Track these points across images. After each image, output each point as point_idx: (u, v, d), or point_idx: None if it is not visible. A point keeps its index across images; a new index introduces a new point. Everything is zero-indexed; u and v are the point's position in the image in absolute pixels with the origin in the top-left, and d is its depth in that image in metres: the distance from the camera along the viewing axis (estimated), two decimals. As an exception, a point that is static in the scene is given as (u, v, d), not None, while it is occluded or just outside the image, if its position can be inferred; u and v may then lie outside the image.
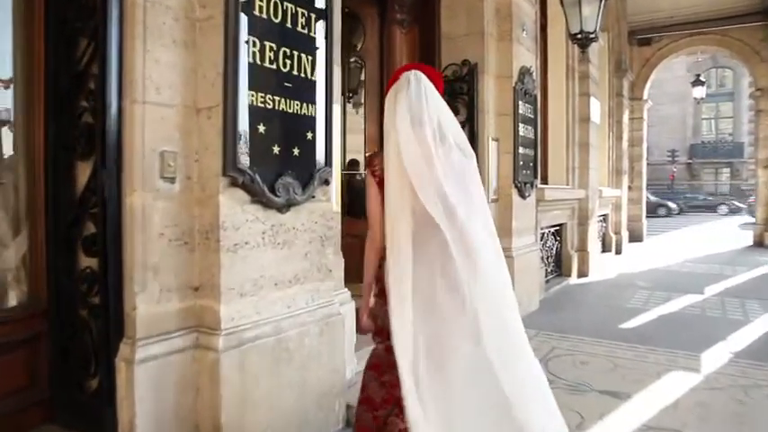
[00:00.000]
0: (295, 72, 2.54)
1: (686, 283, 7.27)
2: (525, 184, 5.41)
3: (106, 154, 2.11)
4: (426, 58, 5.17)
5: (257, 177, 2.32)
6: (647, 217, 13.77)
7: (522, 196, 5.40)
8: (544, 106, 7.09)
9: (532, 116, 5.61)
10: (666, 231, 16.55)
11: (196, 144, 2.31)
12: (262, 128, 2.37)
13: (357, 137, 5.15)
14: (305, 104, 2.59)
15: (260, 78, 2.37)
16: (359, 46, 5.10)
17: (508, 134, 5.18)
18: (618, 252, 10.28)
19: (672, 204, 28.04)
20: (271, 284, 2.46)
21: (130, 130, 2.13)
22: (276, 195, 2.42)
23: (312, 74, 2.64)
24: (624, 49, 11.10)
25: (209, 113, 2.28)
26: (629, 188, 12.04)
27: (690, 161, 34.44)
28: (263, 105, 2.38)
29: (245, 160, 2.29)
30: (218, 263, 2.25)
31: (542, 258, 6.63)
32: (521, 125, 5.29)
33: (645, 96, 12.99)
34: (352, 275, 2.97)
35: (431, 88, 2.00)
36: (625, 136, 11.42)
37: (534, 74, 5.60)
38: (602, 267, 8.35)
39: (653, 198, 26.52)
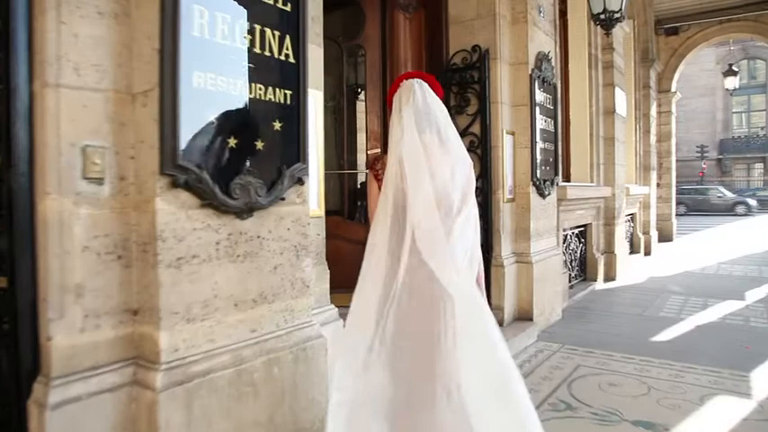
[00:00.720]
0: (257, 50, 2.12)
1: (724, 287, 6.68)
2: (545, 181, 4.92)
3: (12, 150, 1.71)
4: (433, 44, 4.73)
5: (205, 176, 1.90)
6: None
7: (542, 195, 4.90)
8: (565, 98, 6.57)
9: (552, 107, 5.11)
10: (697, 230, 15.76)
11: (132, 138, 1.90)
12: (213, 116, 1.95)
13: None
14: (271, 89, 2.17)
15: (210, 56, 1.95)
16: (359, 33, 4.66)
17: (525, 127, 4.70)
18: (647, 253, 9.67)
19: (752, 201, 23.97)
20: (229, 305, 2.04)
21: (41, 120, 1.72)
22: (232, 198, 2.00)
23: (280, 52, 2.21)
24: (651, 38, 10.46)
25: (144, 99, 1.87)
26: (658, 185, 11.39)
27: (720, 157, 33.19)
28: (214, 89, 1.96)
29: (189, 156, 1.87)
30: (156, 281, 1.83)
31: (565, 262, 6.12)
32: (539, 117, 4.80)
33: (673, 89, 12.31)
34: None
35: (433, 97, 2.16)
36: (653, 130, 10.77)
37: (553, 61, 5.10)
38: (631, 270, 7.78)
39: (730, 194, 24.65)
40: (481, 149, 4.49)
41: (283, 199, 2.22)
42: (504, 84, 4.55)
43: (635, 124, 9.68)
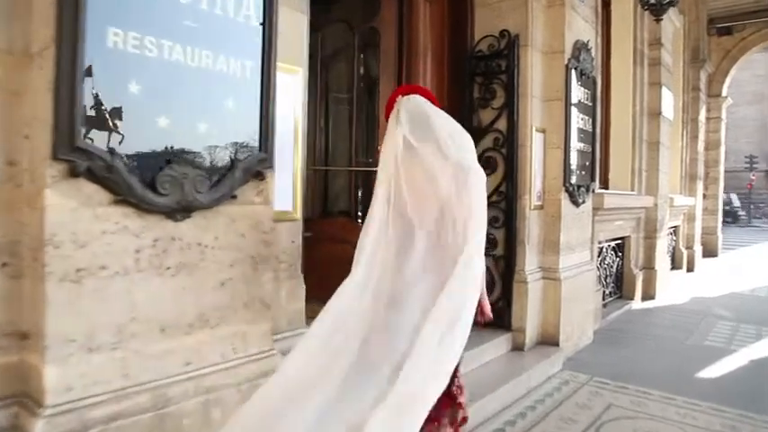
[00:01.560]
0: (205, 6, 1.66)
1: (780, 313, 5.95)
2: (579, 187, 4.35)
3: None
4: (456, 28, 4.22)
5: (118, 164, 1.45)
6: None
7: (575, 203, 4.33)
8: (606, 95, 5.94)
9: (590, 104, 4.53)
10: (744, 245, 14.72)
11: (28, 111, 1.46)
12: (135, 87, 1.50)
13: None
14: (223, 57, 1.71)
15: (134, 10, 1.50)
16: (375, 15, 4.18)
17: (558, 124, 4.14)
18: (689, 269, 8.90)
19: None
20: (153, 331, 1.59)
21: None
22: (158, 193, 1.54)
23: (238, 13, 1.75)
24: (702, 36, 9.67)
25: (40, 61, 1.43)
26: (704, 196, 10.56)
27: (770, 168, 31.45)
28: (138, 52, 1.51)
29: (98, 136, 1.43)
30: (43, 299, 1.39)
31: (599, 278, 5.51)
32: (575, 113, 4.23)
33: (724, 93, 11.45)
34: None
35: (432, 109, 1.97)
36: (701, 136, 9.96)
37: (593, 52, 4.52)
38: (672, 289, 7.08)
39: None
40: (506, 148, 3.96)
41: (235, 197, 1.76)
42: (536, 74, 4.01)
43: (682, 129, 8.93)
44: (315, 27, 4.32)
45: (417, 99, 1.98)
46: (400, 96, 2.00)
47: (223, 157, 1.71)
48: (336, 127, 4.85)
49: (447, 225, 1.79)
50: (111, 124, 1.45)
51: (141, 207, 1.52)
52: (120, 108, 1.47)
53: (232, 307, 1.79)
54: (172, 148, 1.59)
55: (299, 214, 2.21)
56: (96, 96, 1.42)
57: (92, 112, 1.42)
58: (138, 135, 1.51)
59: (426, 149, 1.84)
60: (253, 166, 1.78)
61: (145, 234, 1.56)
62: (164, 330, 1.61)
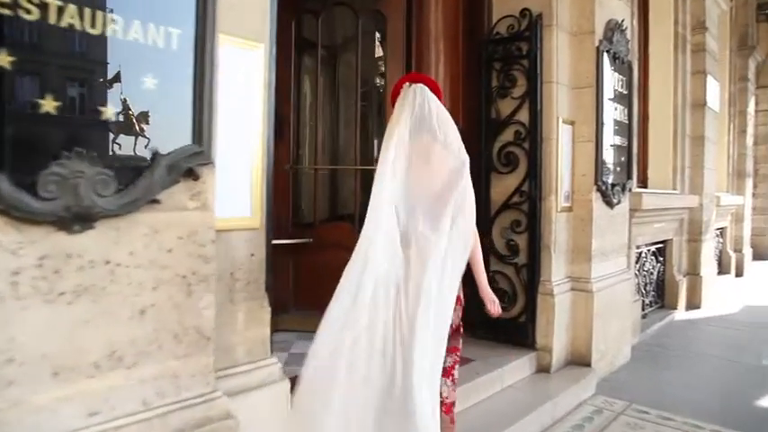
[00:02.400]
0: (109, -48, 1.29)
1: None
2: (614, 186, 3.85)
3: None
4: (471, 9, 3.79)
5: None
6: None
7: (609, 203, 3.84)
8: (644, 84, 5.39)
9: (626, 91, 4.02)
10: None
11: None
12: (7, 58, 1.13)
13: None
14: (139, 24, 1.33)
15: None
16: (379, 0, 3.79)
17: (588, 115, 3.65)
18: (738, 274, 8.19)
19: None
20: (41, 374, 1.22)
21: None
22: (41, 198, 1.17)
23: (159, -35, 1.37)
24: (751, 22, 8.93)
25: None
26: (753, 195, 9.79)
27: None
28: (10, 13, 1.14)
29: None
30: None
31: (638, 286, 4.97)
32: (608, 102, 3.74)
33: (775, 84, 10.61)
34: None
35: (434, 100, 2.08)
36: (749, 130, 9.21)
37: (628, 33, 4.01)
38: (720, 297, 6.43)
39: None
40: (528, 143, 3.49)
41: (157, 201, 1.38)
42: (562, 58, 3.53)
43: (728, 122, 8.23)
44: (313, 11, 3.99)
45: (425, 89, 2.07)
46: (407, 84, 2.11)
47: (137, 151, 1.33)
48: (340, 122, 4.47)
49: (443, 206, 1.93)
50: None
51: (14, 216, 1.15)
52: (-17, 84, 1.11)
53: (156, 340, 1.41)
54: (64, 137, 1.22)
55: (260, 222, 1.82)
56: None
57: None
58: (10, 121, 1.14)
59: (429, 137, 2.01)
60: (181, 162, 1.40)
61: (25, 251, 1.18)
62: (57, 374, 1.24)
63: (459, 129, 2.16)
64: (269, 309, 1.88)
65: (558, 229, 3.56)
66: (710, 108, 6.28)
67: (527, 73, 3.49)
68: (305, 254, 3.83)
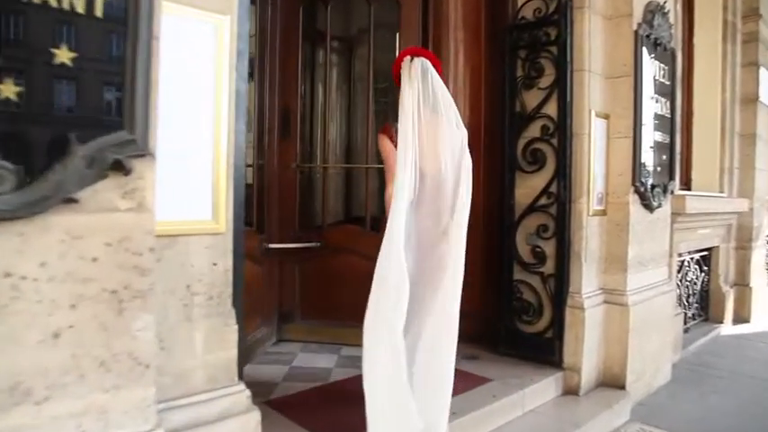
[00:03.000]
0: None
1: None
2: (654, 188, 3.45)
3: None
4: (494, -7, 3.45)
5: None
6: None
7: (648, 207, 3.44)
8: (688, 76, 4.94)
9: (668, 82, 3.62)
10: None
11: None
12: None
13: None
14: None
15: None
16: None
17: (625, 108, 3.28)
18: (792, 284, 7.56)
19: None
20: None
21: None
22: None
23: None
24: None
25: None
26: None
27: None
28: None
29: None
30: None
31: (679, 298, 4.54)
32: (647, 94, 3.35)
33: (832, 79, 9.85)
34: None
35: (436, 75, 2.20)
36: (804, 129, 8.53)
37: (671, 17, 3.61)
38: (772, 309, 5.90)
39: None
40: (557, 138, 3.14)
41: (74, 200, 1.11)
42: (595, 44, 3.17)
43: (782, 120, 7.61)
44: (322, -1, 3.73)
45: (426, 63, 2.16)
46: (408, 58, 2.18)
47: (45, 138, 1.07)
48: (354, 119, 4.20)
49: (446, 181, 2.11)
50: None
51: None
52: None
53: (76, 369, 1.14)
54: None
55: (225, 225, 1.54)
56: None
57: None
58: None
59: (434, 112, 2.13)
60: (107, 153, 1.13)
61: None
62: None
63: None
64: (236, 327, 1.60)
65: (589, 236, 3.19)
66: (763, 103, 5.75)
67: (555, 61, 3.13)
68: (312, 259, 3.56)
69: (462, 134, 2.19)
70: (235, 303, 1.61)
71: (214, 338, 1.53)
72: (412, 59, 2.17)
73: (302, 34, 3.67)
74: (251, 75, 2.95)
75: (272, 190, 3.46)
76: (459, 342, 3.49)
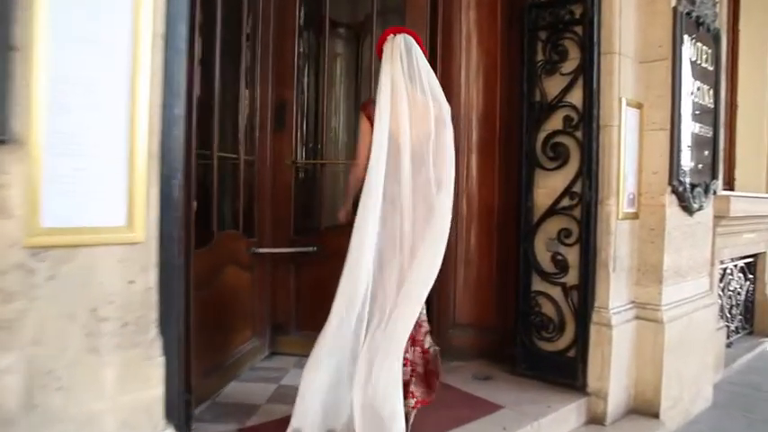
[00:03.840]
0: None
1: None
2: (694, 188, 3.03)
3: None
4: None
5: None
6: None
7: (687, 209, 3.02)
8: (732, 62, 4.46)
9: (711, 68, 3.18)
10: None
11: None
12: None
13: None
14: None
15: None
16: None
17: (661, 96, 2.87)
18: None
19: None
20: None
21: None
22: None
23: None
24: None
25: None
26: None
27: None
28: None
29: None
30: None
31: (721, 309, 4.08)
32: (687, 80, 2.93)
33: None
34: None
35: (419, 51, 2.20)
36: None
37: (716, -7, 3.18)
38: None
39: None
40: (582, 131, 2.75)
41: None
42: (627, 23, 2.76)
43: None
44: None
45: (410, 39, 2.18)
46: (392, 36, 2.19)
47: None
48: (357, 112, 3.85)
49: (425, 154, 2.12)
50: None
51: None
52: None
53: None
54: None
55: (144, 233, 1.22)
56: None
57: None
58: None
59: (416, 86, 2.13)
60: None
61: None
62: None
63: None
64: (161, 360, 1.28)
65: (618, 242, 2.79)
66: (815, 95, 5.22)
67: (581, 43, 2.75)
68: (309, 265, 3.24)
69: (447, 109, 2.19)
70: (164, 330, 1.29)
71: (131, 375, 1.22)
72: (395, 36, 2.19)
73: (304, 20, 3.37)
74: (208, 52, 2.60)
75: (264, 189, 3.15)
76: (470, 359, 3.18)
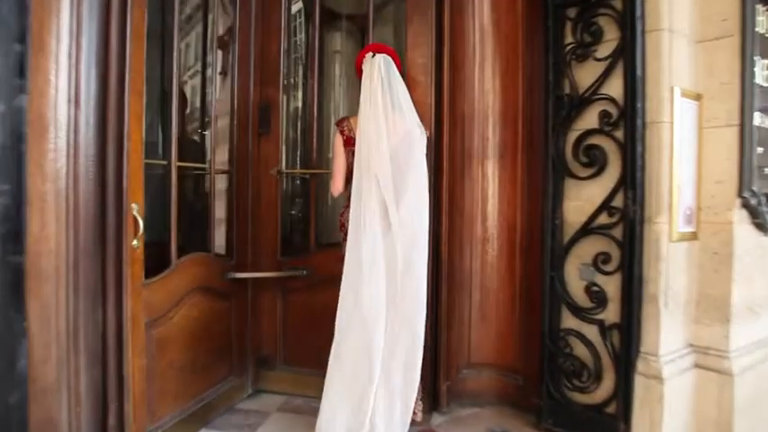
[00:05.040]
0: None
1: None
2: (771, 200, 2.40)
3: None
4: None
5: None
6: None
7: (762, 227, 2.39)
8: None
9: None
10: None
11: None
12: None
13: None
14: None
15: None
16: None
17: (726, 83, 2.26)
18: None
19: None
20: None
21: None
22: None
23: None
24: None
25: None
26: None
27: None
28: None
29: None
30: None
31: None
32: (760, 64, 2.31)
33: None
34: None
35: (395, 71, 2.27)
36: None
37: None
38: None
39: None
40: (623, 130, 2.19)
41: None
42: (680, -8, 2.19)
43: None
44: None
45: (387, 59, 2.26)
46: (370, 54, 2.27)
47: None
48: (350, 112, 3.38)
49: (393, 173, 2.14)
50: None
51: None
52: None
53: None
54: None
55: None
56: None
57: None
58: None
59: (395, 106, 2.19)
60: None
61: None
62: None
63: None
64: None
65: (672, 270, 2.20)
66: None
67: (620, 19, 2.19)
68: (299, 291, 2.81)
69: (417, 129, 2.24)
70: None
71: None
72: (374, 55, 2.25)
73: (295, 10, 2.95)
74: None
75: (243, 202, 2.72)
76: (486, 406, 2.64)
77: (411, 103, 2.27)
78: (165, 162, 2.35)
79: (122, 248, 1.85)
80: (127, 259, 1.86)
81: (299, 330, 2.81)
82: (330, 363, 2.10)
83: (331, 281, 2.58)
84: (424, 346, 2.16)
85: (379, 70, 2.19)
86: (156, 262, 2.17)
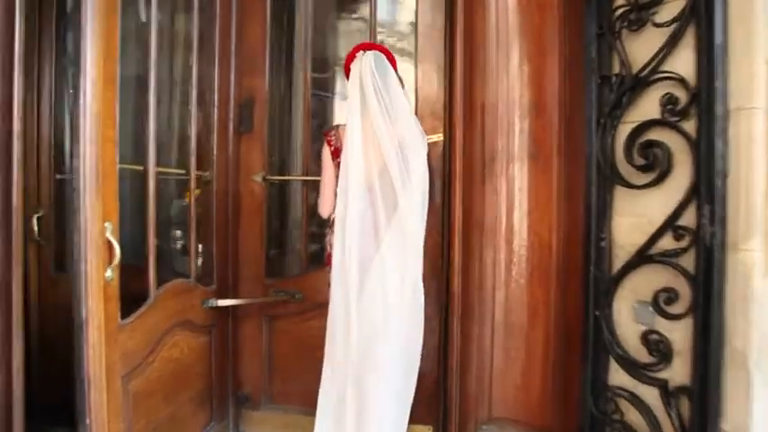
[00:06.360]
0: None
1: None
2: None
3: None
4: None
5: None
6: None
7: None
8: None
9: None
10: None
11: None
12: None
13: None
14: None
15: None
16: None
17: None
18: None
19: None
20: None
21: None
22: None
23: None
24: None
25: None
26: None
27: None
28: None
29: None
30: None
31: None
32: None
33: None
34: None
35: (389, 70, 2.07)
36: None
37: None
38: None
39: None
40: (696, 121, 1.59)
41: None
42: None
43: None
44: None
45: (379, 56, 2.04)
46: (362, 52, 2.06)
47: None
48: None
49: (385, 185, 1.96)
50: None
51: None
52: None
53: None
54: None
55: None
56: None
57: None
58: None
59: (385, 111, 1.97)
60: None
61: None
62: None
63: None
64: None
65: (763, 314, 1.56)
66: None
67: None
68: (286, 317, 2.37)
69: (414, 134, 2.02)
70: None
71: None
72: (365, 53, 2.06)
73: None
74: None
75: (222, 216, 2.30)
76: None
77: (407, 106, 2.07)
78: (140, 167, 1.94)
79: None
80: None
81: (287, 362, 2.40)
82: (319, 400, 2.00)
83: (325, 305, 2.13)
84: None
85: (371, 68, 1.99)
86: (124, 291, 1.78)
